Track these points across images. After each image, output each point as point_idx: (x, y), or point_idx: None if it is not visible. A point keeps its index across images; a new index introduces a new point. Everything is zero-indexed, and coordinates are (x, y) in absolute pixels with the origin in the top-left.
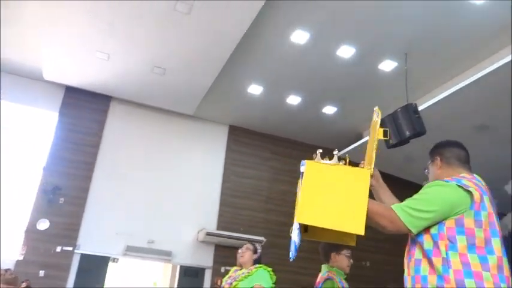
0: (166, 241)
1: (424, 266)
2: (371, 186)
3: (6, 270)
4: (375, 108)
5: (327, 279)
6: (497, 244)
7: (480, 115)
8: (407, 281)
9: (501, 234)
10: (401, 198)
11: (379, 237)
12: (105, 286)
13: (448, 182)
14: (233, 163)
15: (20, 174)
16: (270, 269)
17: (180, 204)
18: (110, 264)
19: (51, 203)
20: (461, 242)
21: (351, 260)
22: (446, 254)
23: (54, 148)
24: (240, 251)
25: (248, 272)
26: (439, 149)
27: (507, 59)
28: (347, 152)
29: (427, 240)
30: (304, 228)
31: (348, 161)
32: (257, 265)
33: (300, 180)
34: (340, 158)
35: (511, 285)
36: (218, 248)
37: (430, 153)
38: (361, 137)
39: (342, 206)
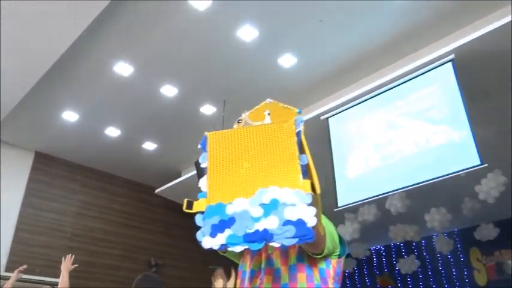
0: None
1: None
2: None
3: None
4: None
5: None
6: None
7: None
8: None
9: None
10: None
11: None
12: None
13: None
14: (35, 194)
15: None
16: None
17: None
18: None
19: None
20: (337, 284)
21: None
22: None
23: None
24: None
25: None
26: None
27: (307, 117)
28: (165, 189)
29: (315, 275)
30: None
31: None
32: None
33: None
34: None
35: None
36: None
37: None
38: (179, 175)
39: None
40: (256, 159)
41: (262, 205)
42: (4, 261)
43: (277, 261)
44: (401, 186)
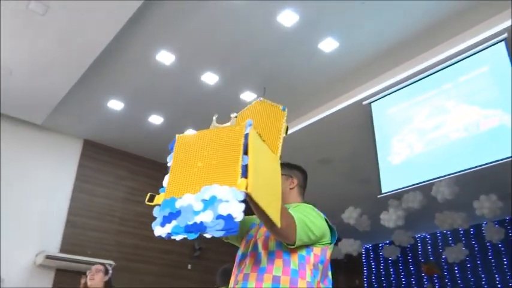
0: None
1: (284, 285)
2: None
3: None
4: (261, 99)
5: None
6: (330, 274)
7: (324, 150)
8: None
9: None
10: None
11: None
12: None
13: (319, 212)
14: (85, 180)
15: None
16: None
17: (18, 223)
18: None
19: None
20: (320, 271)
21: None
22: (311, 279)
23: None
24: (88, 273)
25: None
26: (297, 172)
27: (348, 102)
28: None
29: (293, 260)
30: None
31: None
32: None
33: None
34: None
35: None
36: (59, 272)
37: (286, 170)
38: None
39: (270, 188)
40: (208, 159)
41: (203, 200)
42: (58, 244)
43: (260, 246)
44: (448, 173)
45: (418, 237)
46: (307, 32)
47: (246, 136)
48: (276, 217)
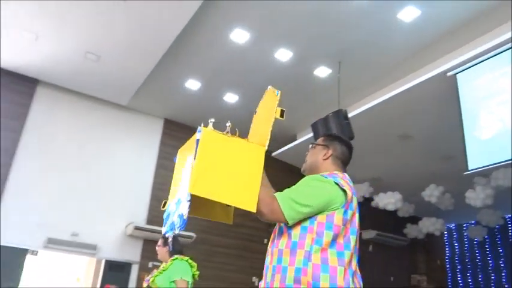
0: (91, 234)
1: (285, 257)
2: None
3: None
4: (269, 87)
5: None
6: (353, 241)
7: (404, 125)
8: (268, 269)
9: (359, 232)
10: None
11: None
12: (21, 281)
13: (327, 178)
14: (166, 157)
15: None
16: (186, 258)
17: (109, 197)
18: (28, 257)
19: None
20: (327, 237)
21: None
22: (311, 247)
23: None
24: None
25: (163, 267)
26: (335, 143)
27: (432, 74)
28: (282, 153)
29: (295, 232)
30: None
31: (237, 135)
32: (176, 257)
33: (185, 152)
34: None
35: (355, 276)
36: (146, 242)
37: (323, 140)
38: (295, 139)
39: (237, 180)
40: (186, 166)
41: (175, 203)
42: (145, 216)
43: (277, 224)
44: None
45: (508, 217)
46: (385, 2)
47: (197, 142)
48: (247, 204)
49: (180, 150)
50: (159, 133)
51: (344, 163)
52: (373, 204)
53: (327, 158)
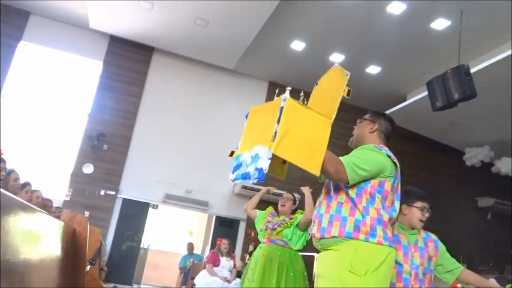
0: (203, 192)
1: (345, 209)
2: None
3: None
4: (337, 65)
5: None
6: (397, 205)
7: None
8: (324, 217)
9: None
10: (432, 164)
11: None
12: (145, 230)
13: (381, 149)
14: None
15: (66, 120)
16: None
17: (218, 157)
18: (150, 210)
19: (95, 149)
20: (378, 199)
21: (426, 214)
22: (367, 204)
23: (98, 96)
24: (281, 200)
25: (291, 220)
26: (381, 119)
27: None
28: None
29: (352, 190)
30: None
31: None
32: (298, 211)
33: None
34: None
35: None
36: None
37: (370, 116)
38: (404, 99)
39: (309, 146)
40: (260, 125)
41: (251, 157)
42: None
43: (331, 183)
44: None
45: None
46: None
47: (281, 109)
48: (313, 168)
49: (252, 108)
50: (264, 96)
51: (387, 137)
52: (493, 169)
53: (373, 132)
